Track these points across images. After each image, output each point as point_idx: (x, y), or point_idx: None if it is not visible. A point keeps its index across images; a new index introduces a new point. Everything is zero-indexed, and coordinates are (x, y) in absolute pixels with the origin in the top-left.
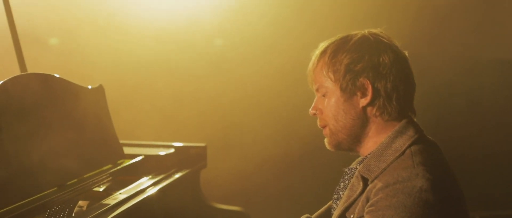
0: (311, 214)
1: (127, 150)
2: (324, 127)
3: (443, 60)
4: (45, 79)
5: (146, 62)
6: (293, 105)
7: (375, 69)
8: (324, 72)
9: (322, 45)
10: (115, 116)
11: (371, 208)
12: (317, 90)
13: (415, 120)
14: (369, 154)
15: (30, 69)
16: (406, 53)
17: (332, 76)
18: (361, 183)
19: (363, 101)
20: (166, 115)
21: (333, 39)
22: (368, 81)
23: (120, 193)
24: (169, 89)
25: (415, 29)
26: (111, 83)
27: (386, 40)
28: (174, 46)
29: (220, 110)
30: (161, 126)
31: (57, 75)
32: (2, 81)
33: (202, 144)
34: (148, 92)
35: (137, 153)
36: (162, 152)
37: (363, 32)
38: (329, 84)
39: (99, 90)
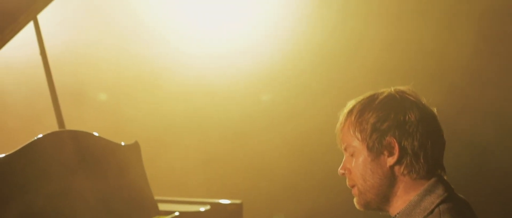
0: None
1: (162, 206)
2: (352, 186)
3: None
4: (79, 136)
5: (181, 119)
6: (325, 164)
7: (401, 127)
8: (351, 132)
9: (349, 104)
10: (150, 171)
11: None
12: (345, 150)
13: (445, 178)
14: (398, 213)
15: (69, 126)
16: (435, 110)
17: (359, 136)
18: None
19: (390, 160)
20: (200, 172)
21: (360, 98)
22: (394, 140)
23: None
24: (203, 146)
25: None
26: (148, 138)
27: (412, 98)
28: (209, 104)
29: (251, 167)
30: (197, 182)
31: (95, 133)
32: (37, 137)
33: (238, 201)
34: (182, 148)
35: (172, 209)
36: (198, 209)
37: (389, 90)
38: (357, 144)
39: (135, 147)
